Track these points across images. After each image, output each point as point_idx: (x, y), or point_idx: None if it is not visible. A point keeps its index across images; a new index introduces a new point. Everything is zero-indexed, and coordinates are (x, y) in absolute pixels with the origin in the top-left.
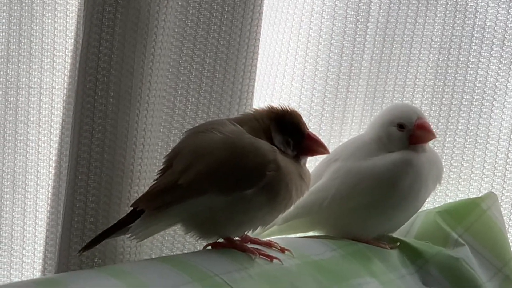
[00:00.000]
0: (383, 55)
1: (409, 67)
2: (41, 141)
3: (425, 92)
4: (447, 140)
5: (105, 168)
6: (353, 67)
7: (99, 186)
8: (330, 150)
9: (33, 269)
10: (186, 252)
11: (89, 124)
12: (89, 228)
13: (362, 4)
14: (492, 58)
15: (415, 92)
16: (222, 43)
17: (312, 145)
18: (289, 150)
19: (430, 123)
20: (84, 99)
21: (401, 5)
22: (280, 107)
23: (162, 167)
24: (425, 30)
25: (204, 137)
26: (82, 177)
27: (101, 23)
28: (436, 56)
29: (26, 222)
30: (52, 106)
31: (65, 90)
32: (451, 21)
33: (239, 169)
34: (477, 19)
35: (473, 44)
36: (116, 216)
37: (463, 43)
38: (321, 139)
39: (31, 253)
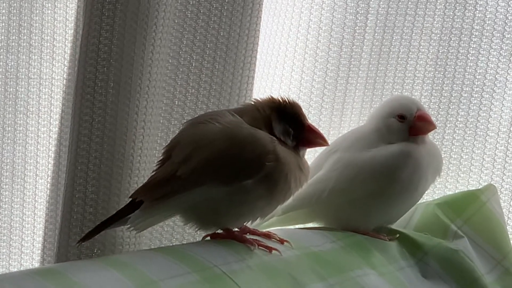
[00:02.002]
0: (383, 46)
1: (409, 59)
2: (40, 132)
3: (425, 84)
4: (447, 132)
5: (105, 159)
6: (352, 59)
7: (99, 177)
8: (329, 142)
9: (32, 259)
10: (185, 243)
11: (89, 115)
12: (88, 219)
13: None
14: (492, 50)
15: (415, 84)
16: (222, 34)
17: (311, 137)
18: (289, 140)
19: (430, 115)
20: (84, 89)
21: None
22: (281, 98)
23: (161, 158)
24: (425, 22)
25: (203, 128)
26: (81, 168)
27: (101, 13)
28: (436, 48)
29: (25, 213)
30: (52, 96)
31: (64, 80)
32: (451, 13)
33: (238, 160)
34: (477, 11)
35: (473, 36)
36: (115, 207)
37: (463, 35)
38: (321, 131)
39: (30, 244)
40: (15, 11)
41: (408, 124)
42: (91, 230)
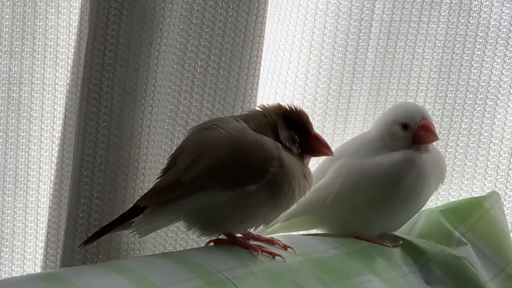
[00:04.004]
0: (387, 53)
1: (413, 66)
2: (43, 137)
3: (429, 91)
4: (451, 139)
5: (110, 165)
6: (357, 65)
7: (104, 183)
8: (333, 148)
9: (34, 265)
10: (189, 248)
11: (95, 120)
12: (93, 224)
13: (366, 2)
14: (496, 57)
15: (419, 91)
16: (227, 40)
17: (317, 145)
18: (294, 148)
19: (434, 124)
20: (89, 95)
21: (406, 3)
22: (288, 105)
23: (166, 165)
24: (429, 28)
25: (207, 134)
26: (87, 173)
27: (107, 19)
28: (440, 55)
29: (28, 219)
30: (55, 102)
31: (68, 86)
32: (455, 20)
33: (242, 165)
34: (482, 18)
35: (477, 43)
36: (120, 213)
37: (467, 42)
38: (326, 139)
39: (33, 250)
40: (18, 16)
41: (411, 133)
42: (93, 233)
